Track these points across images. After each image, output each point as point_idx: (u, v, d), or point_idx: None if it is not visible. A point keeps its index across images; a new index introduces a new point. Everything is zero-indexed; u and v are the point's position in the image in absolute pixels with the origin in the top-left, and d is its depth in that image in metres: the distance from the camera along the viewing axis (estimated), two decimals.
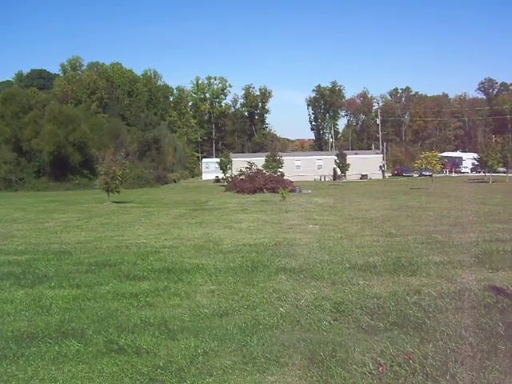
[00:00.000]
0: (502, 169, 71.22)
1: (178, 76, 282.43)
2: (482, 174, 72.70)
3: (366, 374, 5.10)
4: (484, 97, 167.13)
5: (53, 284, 9.38)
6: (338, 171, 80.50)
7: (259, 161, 63.93)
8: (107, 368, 5.43)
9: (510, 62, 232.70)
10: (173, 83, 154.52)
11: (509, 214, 21.05)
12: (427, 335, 6.08)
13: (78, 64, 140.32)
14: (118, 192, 38.71)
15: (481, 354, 5.44)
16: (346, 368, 5.23)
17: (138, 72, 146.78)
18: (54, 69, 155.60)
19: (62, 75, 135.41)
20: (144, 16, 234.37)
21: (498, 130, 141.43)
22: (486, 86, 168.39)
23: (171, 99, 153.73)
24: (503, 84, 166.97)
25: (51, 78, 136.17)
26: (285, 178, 53.66)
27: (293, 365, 5.38)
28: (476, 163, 73.77)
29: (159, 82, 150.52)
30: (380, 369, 5.18)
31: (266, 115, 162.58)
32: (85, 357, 5.74)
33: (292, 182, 51.24)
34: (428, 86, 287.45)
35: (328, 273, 9.67)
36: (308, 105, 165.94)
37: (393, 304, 7.43)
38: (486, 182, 62.06)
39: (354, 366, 5.25)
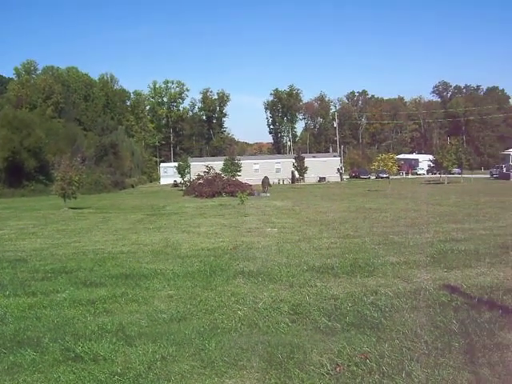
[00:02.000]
0: (456, 170, 72.69)
1: (135, 80, 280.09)
2: (437, 175, 74.07)
3: (323, 374, 5.15)
4: (439, 99, 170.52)
5: (7, 292, 9.19)
6: (297, 174, 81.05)
7: (218, 165, 63.85)
8: (64, 376, 5.35)
9: (463, 64, 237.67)
10: (130, 87, 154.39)
11: (463, 215, 21.47)
12: (384, 334, 6.18)
13: (32, 68, 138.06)
14: (75, 198, 38.11)
15: (435, 351, 5.56)
16: (303, 369, 5.27)
17: (95, 76, 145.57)
18: (7, 73, 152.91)
19: (16, 79, 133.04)
20: (100, 19, 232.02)
21: (453, 132, 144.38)
22: (441, 89, 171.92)
23: (128, 103, 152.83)
24: (457, 87, 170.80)
25: (5, 82, 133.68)
26: (244, 181, 53.59)
27: (251, 367, 5.39)
28: (432, 165, 75.35)
29: (116, 86, 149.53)
30: (337, 369, 5.23)
31: (224, 119, 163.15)
32: (40, 366, 5.65)
33: (251, 185, 51.28)
34: (384, 89, 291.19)
35: (286, 275, 9.73)
36: (266, 108, 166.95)
37: (350, 305, 7.52)
38: (442, 183, 63.23)
39: (312, 367, 5.30)
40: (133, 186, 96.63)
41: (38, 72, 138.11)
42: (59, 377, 5.34)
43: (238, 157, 77.63)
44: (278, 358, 5.56)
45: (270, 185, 56.52)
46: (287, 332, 6.48)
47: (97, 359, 5.78)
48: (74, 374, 5.40)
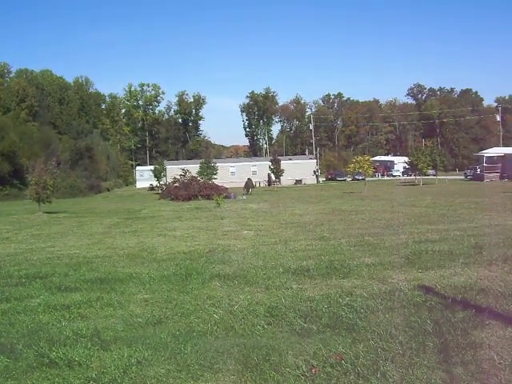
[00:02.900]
0: (431, 172, 73.39)
1: (111, 83, 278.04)
2: (412, 177, 74.77)
3: (299, 376, 5.15)
4: (413, 102, 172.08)
5: None
6: (273, 177, 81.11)
7: (194, 168, 63.72)
8: (38, 383, 5.28)
9: (437, 67, 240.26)
10: (105, 90, 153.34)
11: (438, 216, 21.66)
12: (359, 335, 6.20)
13: (5, 71, 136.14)
14: (50, 202, 37.81)
15: (410, 351, 5.59)
16: (279, 371, 5.27)
17: (69, 79, 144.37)
18: None
19: None
20: (75, 22, 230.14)
21: (427, 134, 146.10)
22: (415, 91, 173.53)
23: (104, 107, 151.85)
24: (431, 89, 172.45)
25: None
26: (220, 184, 53.54)
27: (227, 370, 5.38)
28: (407, 167, 76.23)
29: (91, 90, 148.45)
30: (313, 370, 5.24)
31: (200, 122, 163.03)
32: (14, 372, 5.56)
33: (227, 188, 51.27)
34: (359, 91, 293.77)
35: (262, 278, 9.73)
36: (242, 111, 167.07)
37: (325, 306, 7.53)
38: (417, 184, 63.86)
39: (288, 369, 5.29)
40: (108, 190, 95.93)
41: (11, 75, 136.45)
42: (33, 383, 5.28)
43: (214, 160, 77.42)
44: (253, 360, 5.56)
45: (253, 186, 56.51)
46: (263, 334, 6.48)
47: (72, 365, 5.71)
48: (49, 380, 5.34)
